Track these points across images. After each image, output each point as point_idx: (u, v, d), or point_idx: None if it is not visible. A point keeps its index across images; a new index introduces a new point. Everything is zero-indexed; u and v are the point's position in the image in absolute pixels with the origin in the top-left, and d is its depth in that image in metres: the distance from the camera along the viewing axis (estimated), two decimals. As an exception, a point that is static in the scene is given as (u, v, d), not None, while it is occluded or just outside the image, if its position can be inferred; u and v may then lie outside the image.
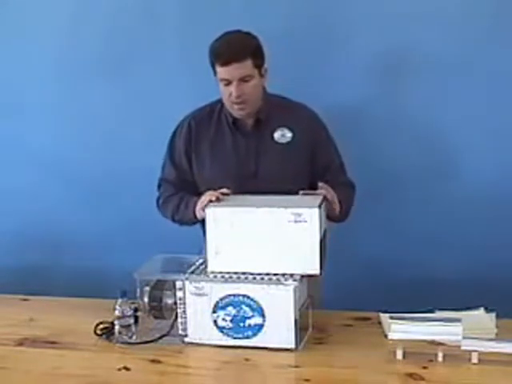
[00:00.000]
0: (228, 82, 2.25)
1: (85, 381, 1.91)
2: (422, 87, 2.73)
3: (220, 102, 2.37)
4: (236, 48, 2.23)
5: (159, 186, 2.48)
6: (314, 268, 2.00)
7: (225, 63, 2.22)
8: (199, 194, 2.27)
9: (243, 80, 2.23)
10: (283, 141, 2.34)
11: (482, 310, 2.14)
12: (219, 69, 2.24)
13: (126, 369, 1.94)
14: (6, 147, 3.15)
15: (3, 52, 3.06)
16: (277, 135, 2.33)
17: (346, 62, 2.74)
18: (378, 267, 2.83)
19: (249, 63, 2.23)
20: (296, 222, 1.98)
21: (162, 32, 2.84)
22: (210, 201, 2.12)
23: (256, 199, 2.12)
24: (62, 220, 3.13)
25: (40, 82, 3.04)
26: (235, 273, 2.03)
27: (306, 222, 1.98)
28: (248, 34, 2.29)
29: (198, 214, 2.23)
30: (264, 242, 2.01)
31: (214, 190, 2.18)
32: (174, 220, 2.41)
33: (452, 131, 2.75)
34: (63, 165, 3.09)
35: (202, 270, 2.09)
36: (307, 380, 1.85)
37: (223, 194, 2.15)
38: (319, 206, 2.00)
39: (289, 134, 2.33)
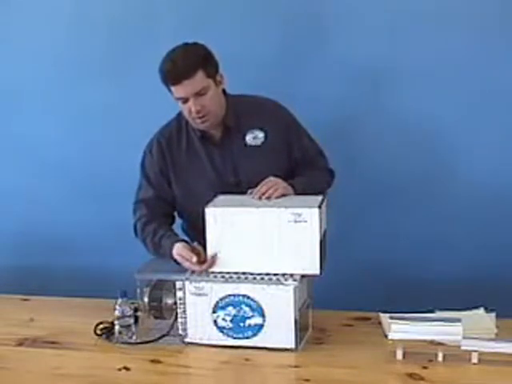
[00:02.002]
0: (185, 100, 2.18)
1: (85, 381, 1.91)
2: (421, 87, 2.72)
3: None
4: (183, 64, 2.14)
5: (134, 211, 2.35)
6: (314, 268, 2.00)
7: (175, 82, 2.15)
8: (176, 213, 2.35)
9: (199, 94, 2.16)
10: (257, 143, 2.29)
11: (481, 310, 2.14)
12: (172, 88, 2.17)
13: (126, 369, 1.95)
14: (5, 147, 3.15)
15: (3, 52, 3.06)
16: (249, 138, 2.29)
17: (338, 64, 2.73)
18: (377, 267, 2.83)
19: (200, 76, 2.15)
20: (296, 222, 1.98)
21: (162, 33, 2.83)
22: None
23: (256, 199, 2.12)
24: (62, 220, 3.13)
25: (40, 81, 3.03)
26: (235, 273, 2.03)
27: (305, 222, 1.97)
28: (194, 44, 2.20)
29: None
30: (264, 242, 2.01)
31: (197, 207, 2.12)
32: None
33: (451, 132, 2.74)
34: (64, 165, 3.08)
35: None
36: (307, 380, 1.85)
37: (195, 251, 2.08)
38: (319, 206, 2.00)
39: (261, 135, 2.28)
